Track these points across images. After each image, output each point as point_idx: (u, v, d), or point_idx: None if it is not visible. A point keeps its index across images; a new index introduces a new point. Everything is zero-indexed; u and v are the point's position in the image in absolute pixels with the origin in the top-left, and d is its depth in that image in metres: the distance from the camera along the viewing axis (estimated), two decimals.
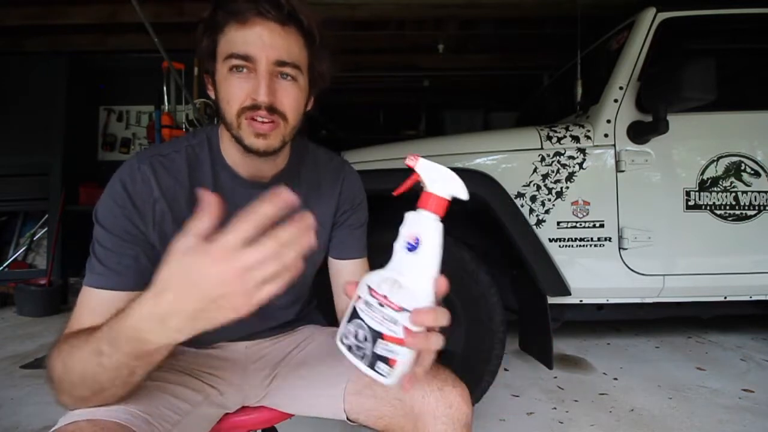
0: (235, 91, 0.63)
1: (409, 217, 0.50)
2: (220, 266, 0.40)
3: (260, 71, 0.62)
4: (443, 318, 0.47)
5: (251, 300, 0.41)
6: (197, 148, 0.72)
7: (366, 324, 0.47)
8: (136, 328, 0.45)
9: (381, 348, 0.46)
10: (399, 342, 0.45)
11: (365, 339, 0.46)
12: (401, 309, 0.45)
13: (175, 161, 0.69)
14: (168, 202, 0.67)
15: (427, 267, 0.48)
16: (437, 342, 0.47)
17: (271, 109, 0.63)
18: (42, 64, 3.47)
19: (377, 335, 0.46)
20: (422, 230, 0.48)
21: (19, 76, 3.49)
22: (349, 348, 0.48)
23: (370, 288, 0.48)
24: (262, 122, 0.63)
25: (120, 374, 0.50)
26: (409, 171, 0.51)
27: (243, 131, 0.64)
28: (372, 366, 0.46)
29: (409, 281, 0.47)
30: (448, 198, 0.49)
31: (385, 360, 0.45)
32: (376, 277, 0.48)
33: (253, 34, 0.62)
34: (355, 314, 0.48)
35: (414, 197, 0.51)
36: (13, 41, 3.41)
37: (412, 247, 0.48)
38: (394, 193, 0.54)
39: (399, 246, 0.49)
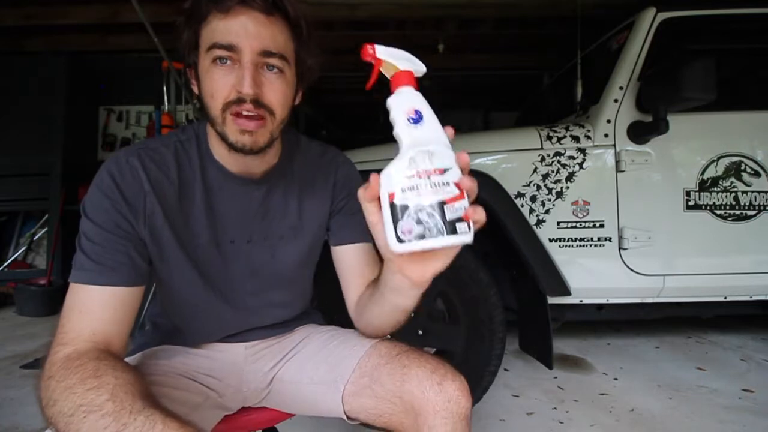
0: (218, 84, 0.61)
1: (393, 100, 0.51)
2: None
3: (244, 62, 0.60)
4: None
5: None
6: (186, 144, 0.71)
7: (424, 203, 0.46)
8: None
9: (450, 212, 0.46)
10: (460, 197, 0.47)
11: (431, 216, 0.46)
12: (445, 170, 0.47)
13: (164, 155, 0.68)
14: (158, 196, 0.65)
15: (438, 128, 0.50)
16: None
17: (257, 103, 0.61)
18: (42, 64, 3.47)
19: (441, 204, 0.46)
20: (414, 102, 0.50)
21: (19, 76, 3.48)
22: (421, 236, 0.46)
23: (402, 177, 0.48)
24: (248, 117, 0.61)
25: None
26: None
27: (228, 127, 0.62)
28: (453, 231, 0.46)
29: (434, 146, 0.47)
30: (417, 74, 0.52)
31: (460, 219, 0.47)
32: (398, 166, 0.48)
33: (237, 23, 0.60)
34: (402, 209, 0.47)
35: None
36: (13, 41, 3.40)
37: (416, 120, 0.49)
38: (367, 87, 0.56)
39: (402, 125, 0.50)
